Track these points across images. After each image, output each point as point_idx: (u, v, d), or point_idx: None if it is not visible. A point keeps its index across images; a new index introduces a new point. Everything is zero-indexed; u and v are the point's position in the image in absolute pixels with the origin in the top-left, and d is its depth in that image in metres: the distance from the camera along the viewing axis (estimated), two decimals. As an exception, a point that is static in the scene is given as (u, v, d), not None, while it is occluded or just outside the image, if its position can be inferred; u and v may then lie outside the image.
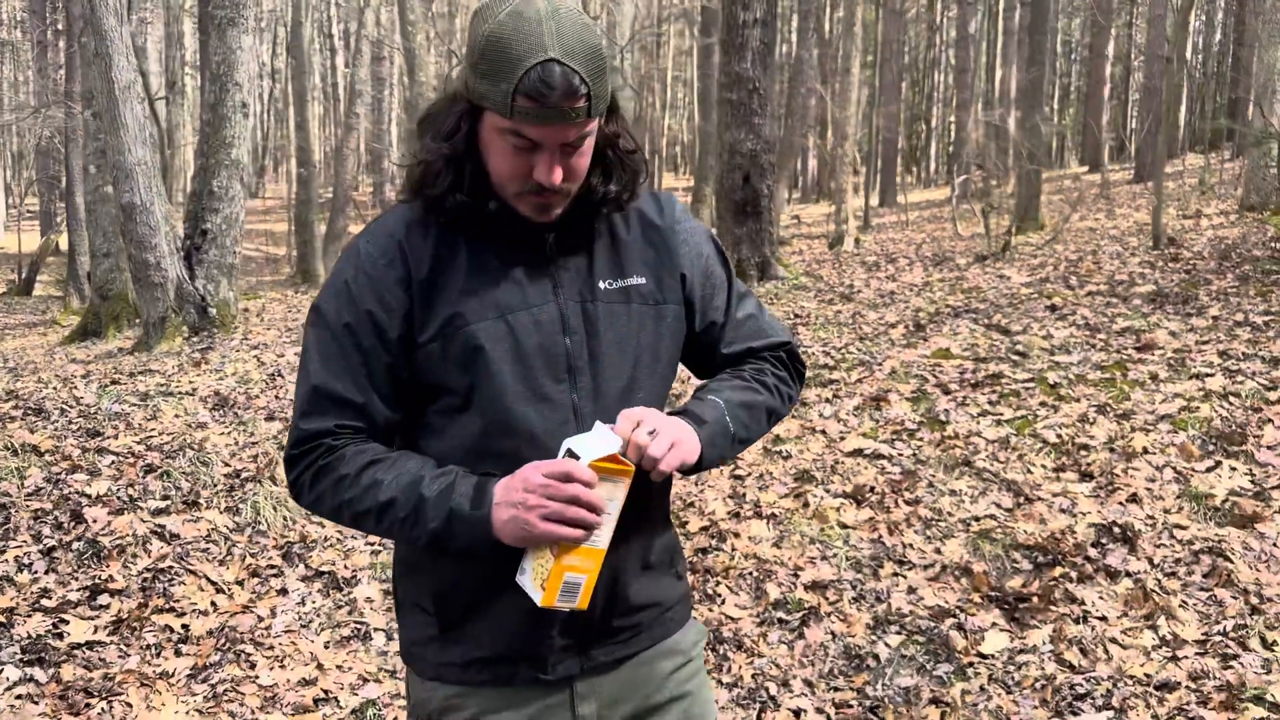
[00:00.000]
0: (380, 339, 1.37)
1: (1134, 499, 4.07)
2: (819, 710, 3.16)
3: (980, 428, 4.73)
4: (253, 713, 3.15)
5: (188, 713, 3.14)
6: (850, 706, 3.17)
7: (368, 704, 3.23)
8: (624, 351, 1.42)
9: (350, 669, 3.41)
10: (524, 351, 1.37)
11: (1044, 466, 4.37)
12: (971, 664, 3.29)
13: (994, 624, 3.48)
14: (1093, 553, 3.78)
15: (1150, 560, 3.74)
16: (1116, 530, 3.88)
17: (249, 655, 3.44)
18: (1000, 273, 7.97)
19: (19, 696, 3.13)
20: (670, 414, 1.40)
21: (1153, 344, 5.50)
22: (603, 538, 1.31)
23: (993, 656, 3.32)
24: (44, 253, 19.93)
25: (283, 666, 3.41)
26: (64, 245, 17.11)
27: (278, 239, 24.92)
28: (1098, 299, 6.65)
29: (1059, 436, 4.55)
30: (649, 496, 1.44)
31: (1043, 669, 3.24)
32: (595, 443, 1.30)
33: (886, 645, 3.42)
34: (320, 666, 3.41)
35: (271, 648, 3.50)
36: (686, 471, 1.37)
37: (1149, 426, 4.57)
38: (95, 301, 9.41)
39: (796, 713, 3.17)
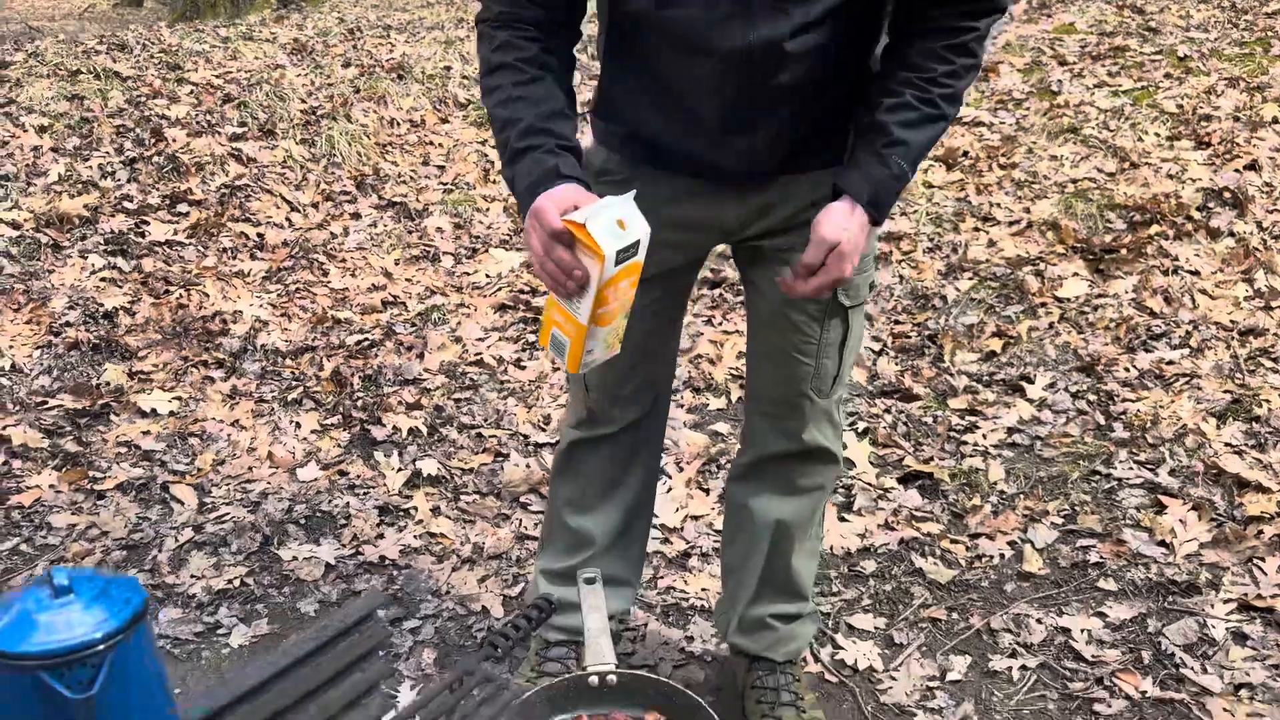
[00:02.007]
0: None
1: (1252, 166, 3.74)
2: (875, 339, 3.10)
3: (1095, 98, 4.35)
4: (323, 309, 3.26)
5: (261, 305, 3.26)
6: (909, 337, 3.10)
7: (433, 309, 3.30)
8: None
9: (418, 282, 3.48)
10: None
11: (1157, 135, 4.03)
12: (1044, 304, 3.16)
13: (1075, 273, 3.31)
14: (1196, 214, 3.51)
15: (1259, 224, 3.47)
16: (1227, 195, 3.59)
17: (321, 264, 3.53)
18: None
19: (104, 279, 3.29)
20: (849, 166, 1.34)
21: (1307, 24, 4.90)
22: (580, 309, 1.18)
23: (1068, 300, 3.18)
24: (149, -39, 19.71)
25: (353, 275, 3.49)
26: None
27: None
28: (1253, -12, 5.92)
29: (1179, 106, 4.16)
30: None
31: (1120, 312, 3.10)
32: (605, 212, 1.17)
33: (956, 289, 3.30)
34: (389, 276, 3.49)
35: (344, 260, 3.58)
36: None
37: (1285, 99, 4.13)
38: (191, -13, 9.28)
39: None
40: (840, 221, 1.30)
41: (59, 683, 0.78)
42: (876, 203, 1.33)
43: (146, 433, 2.66)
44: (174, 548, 2.28)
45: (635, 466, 1.76)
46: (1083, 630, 2.01)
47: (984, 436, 2.62)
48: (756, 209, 1.47)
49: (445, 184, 4.14)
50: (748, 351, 1.66)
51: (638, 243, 1.17)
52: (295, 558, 2.27)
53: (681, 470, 2.62)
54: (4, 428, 2.63)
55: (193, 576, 2.20)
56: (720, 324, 3.23)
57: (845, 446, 2.41)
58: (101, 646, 0.80)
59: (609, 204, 1.18)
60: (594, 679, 1.30)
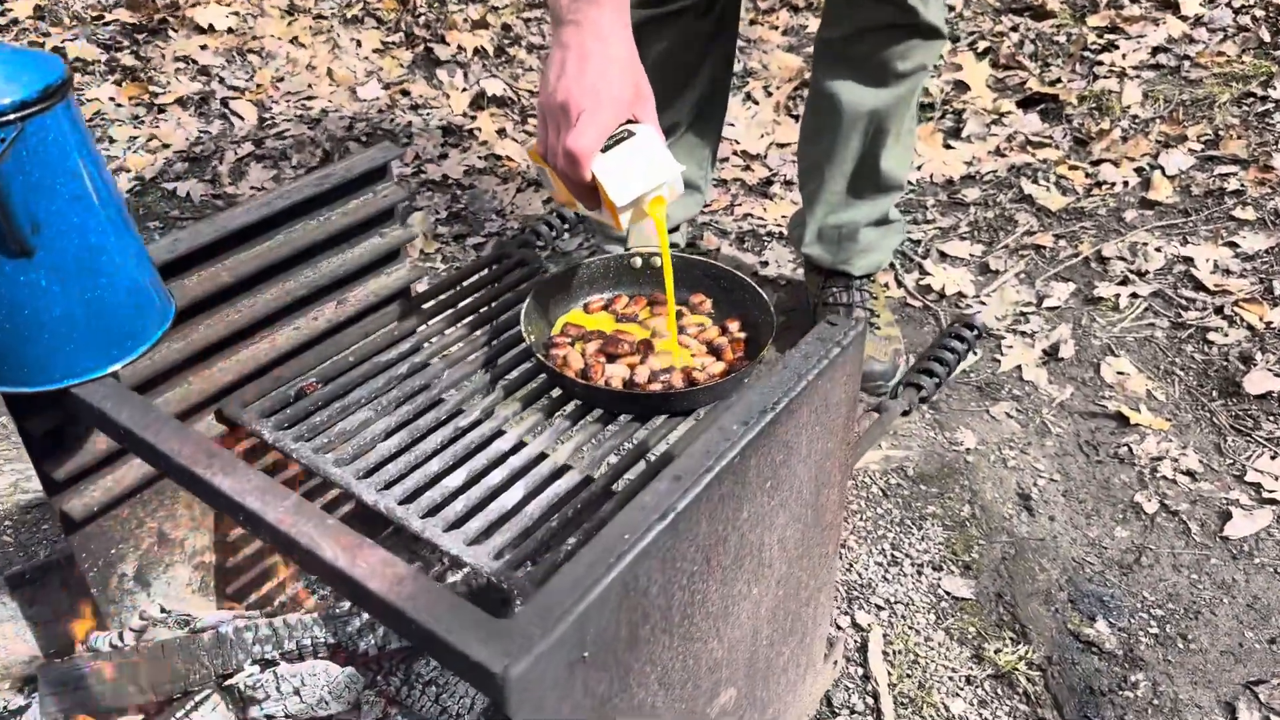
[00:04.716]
0: None
1: None
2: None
3: None
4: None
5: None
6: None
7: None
8: None
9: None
10: None
11: None
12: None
13: None
14: None
15: None
16: None
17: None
18: None
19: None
20: None
21: None
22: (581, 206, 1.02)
23: (1250, -98, 2.66)
24: None
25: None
26: None
27: None
28: None
29: None
30: None
31: (1313, -86, 2.58)
32: (639, 166, 0.95)
33: (1113, -109, 2.79)
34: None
35: None
36: None
37: None
38: None
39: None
40: None
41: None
42: None
43: (205, 48, 2.52)
44: (234, 160, 2.20)
45: (710, 54, 1.55)
46: (1208, 259, 1.79)
47: (1123, 56, 2.28)
48: None
49: None
50: None
51: (659, 187, 0.97)
52: (356, 174, 2.17)
53: (770, 95, 2.38)
54: (62, 41, 2.53)
55: (253, 188, 2.13)
56: (826, -63, 2.83)
57: (955, 41, 2.12)
58: (13, 116, 0.68)
59: (638, 146, 0.96)
60: (637, 260, 1.17)
